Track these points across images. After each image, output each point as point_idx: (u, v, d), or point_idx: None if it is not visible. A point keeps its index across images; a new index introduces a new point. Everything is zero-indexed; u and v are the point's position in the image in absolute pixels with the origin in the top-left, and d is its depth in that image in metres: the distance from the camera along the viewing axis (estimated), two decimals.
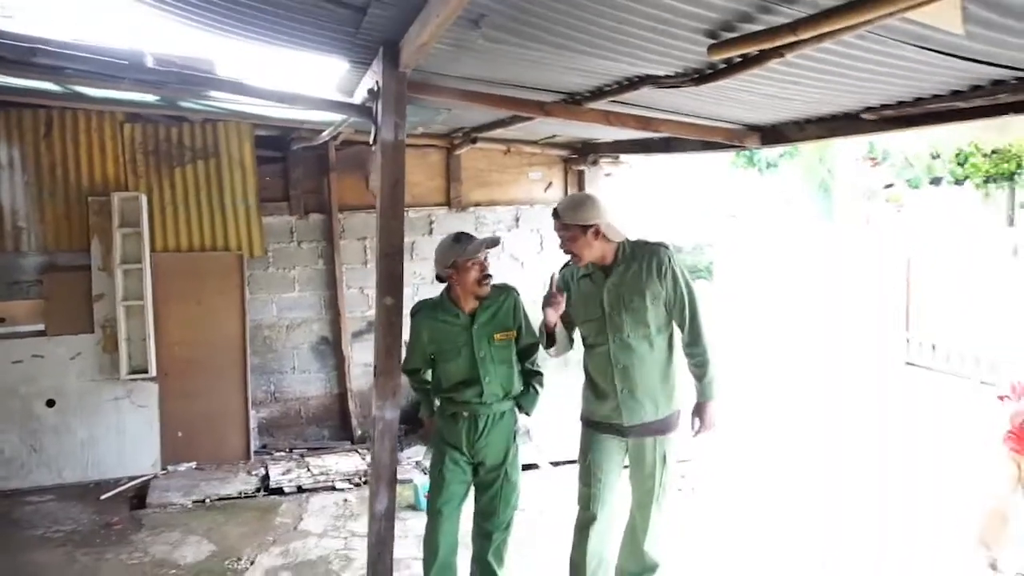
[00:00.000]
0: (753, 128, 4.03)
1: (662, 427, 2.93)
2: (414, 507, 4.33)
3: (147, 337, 5.12)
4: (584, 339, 3.05)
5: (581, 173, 6.28)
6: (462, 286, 3.00)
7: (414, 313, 3.09)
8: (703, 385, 2.93)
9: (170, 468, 5.16)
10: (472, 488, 3.09)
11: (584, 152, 6.08)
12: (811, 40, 2.11)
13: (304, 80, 3.88)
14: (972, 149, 9.45)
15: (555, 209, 2.97)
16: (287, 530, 4.16)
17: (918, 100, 3.03)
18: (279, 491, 4.74)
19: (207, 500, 4.60)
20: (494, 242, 3.04)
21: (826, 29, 1.97)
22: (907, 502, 4.13)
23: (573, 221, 2.86)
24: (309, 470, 5.04)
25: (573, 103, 3.65)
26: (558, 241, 2.97)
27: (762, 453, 5.07)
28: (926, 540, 3.70)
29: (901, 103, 3.11)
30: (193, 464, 5.24)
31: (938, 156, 9.70)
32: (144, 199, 5.17)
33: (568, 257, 3.00)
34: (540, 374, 3.17)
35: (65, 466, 5.01)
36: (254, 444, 5.49)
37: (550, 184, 6.32)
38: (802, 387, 6.60)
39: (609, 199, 6.73)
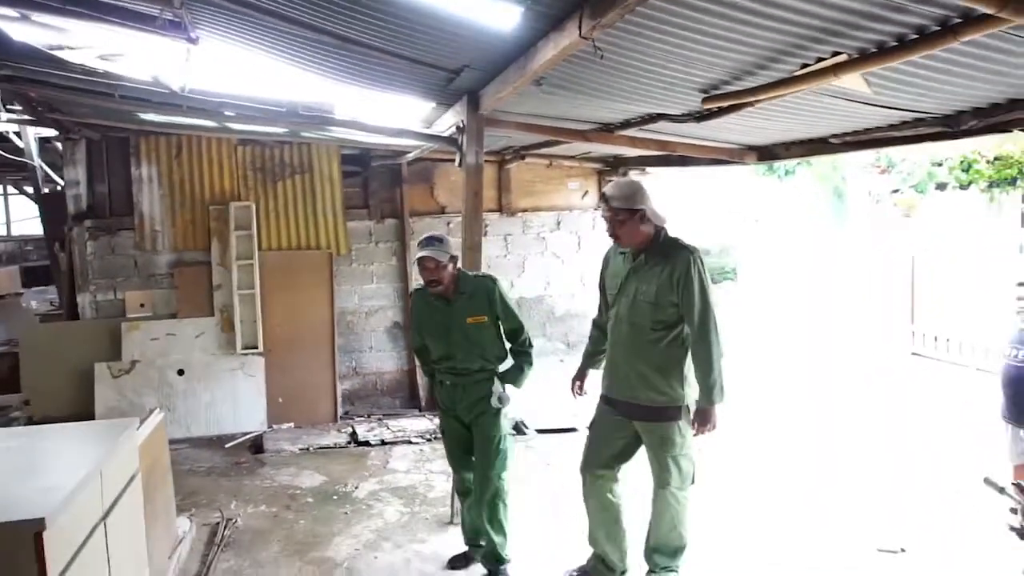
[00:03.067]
0: (750, 148, 5.04)
1: (658, 415, 3.06)
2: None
3: (256, 320, 6.28)
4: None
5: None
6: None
7: (412, 294, 3.71)
8: (704, 388, 2.98)
9: (274, 427, 6.29)
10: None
11: (615, 165, 7.11)
12: (768, 98, 3.14)
13: (396, 113, 4.98)
14: (975, 156, 10.22)
15: (604, 194, 3.11)
16: (378, 468, 5.23)
17: (867, 130, 4.02)
18: (366, 443, 5.82)
19: (310, 448, 5.71)
20: (423, 246, 3.29)
21: (775, 93, 3.01)
22: (911, 475, 4.66)
23: (623, 206, 2.99)
24: (388, 428, 6.12)
25: (606, 131, 4.70)
26: (606, 225, 3.11)
27: (776, 437, 5.77)
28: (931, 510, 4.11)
29: (856, 132, 4.11)
30: (292, 424, 6.36)
31: (940, 164, 10.48)
32: (254, 207, 6.34)
33: (613, 239, 3.18)
34: (527, 354, 3.48)
35: (192, 423, 6.17)
36: (340, 410, 6.61)
37: (586, 193, 7.37)
38: (817, 376, 7.38)
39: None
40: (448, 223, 6.84)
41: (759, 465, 5.02)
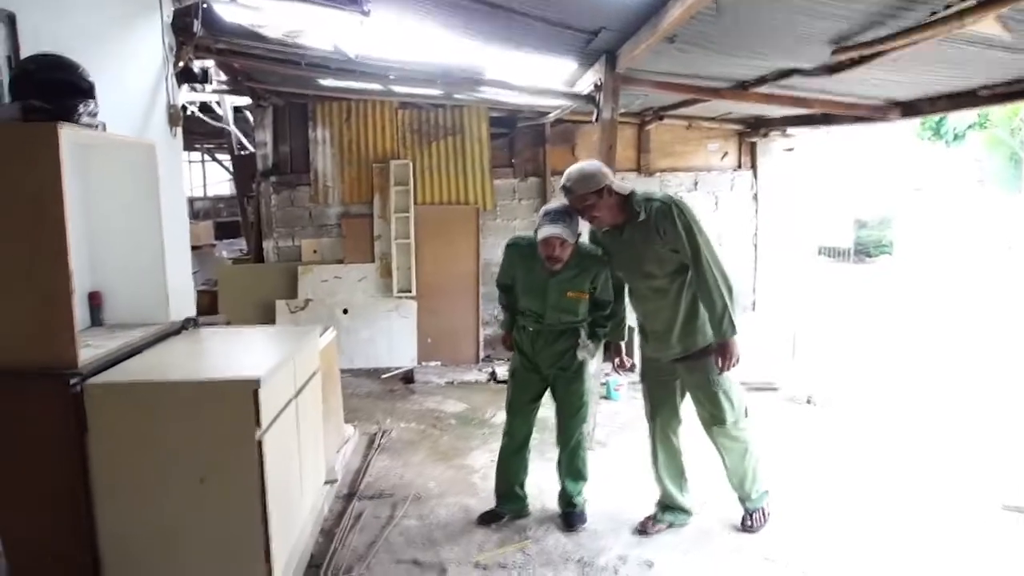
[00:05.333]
0: (893, 104, 4.94)
1: (697, 355, 3.22)
2: (607, 397, 5.73)
3: (411, 267, 6.97)
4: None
5: (753, 144, 7.31)
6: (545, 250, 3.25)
7: (509, 246, 3.49)
8: (714, 324, 3.08)
9: (423, 364, 6.99)
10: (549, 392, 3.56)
11: (756, 126, 7.09)
12: (900, 47, 3.20)
13: (540, 74, 5.33)
14: None
15: (565, 186, 3.16)
16: None
17: (1019, 80, 3.89)
18: (504, 382, 6.34)
19: (454, 382, 6.34)
20: (552, 221, 3.16)
21: (905, 42, 3.07)
22: None
23: (587, 189, 3.08)
24: None
25: (741, 88, 4.81)
26: (578, 214, 3.19)
27: (909, 400, 5.79)
28: None
29: (1006, 83, 3.99)
30: (438, 363, 7.04)
31: None
32: (411, 165, 6.99)
33: (589, 225, 3.32)
34: (603, 326, 3.47)
35: (354, 356, 6.99)
36: (481, 353, 7.21)
37: (726, 154, 7.42)
38: (968, 355, 7.06)
39: (789, 173, 7.68)
40: None
41: (887, 424, 5.03)
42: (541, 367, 3.47)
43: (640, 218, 3.12)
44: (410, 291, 6.99)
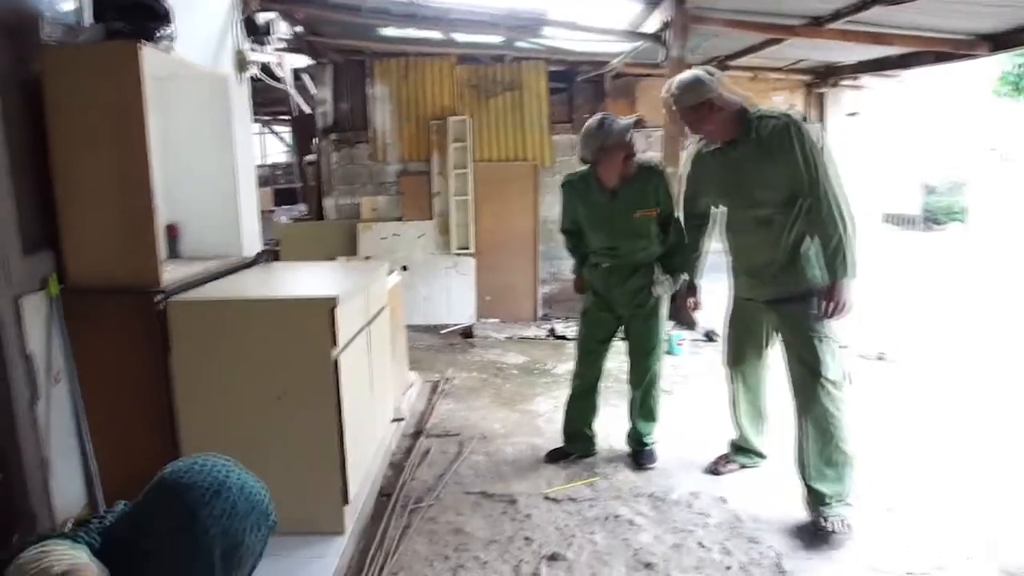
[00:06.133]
0: (982, 37, 4.66)
1: (799, 298, 2.79)
2: (669, 352, 5.64)
3: (469, 224, 6.96)
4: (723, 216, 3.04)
5: (822, 95, 7.04)
6: (605, 168, 3.17)
7: (563, 185, 3.38)
8: (828, 262, 2.69)
9: (481, 321, 7.00)
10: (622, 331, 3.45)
11: (825, 75, 6.82)
12: None
13: (604, 17, 5.22)
14: None
15: (669, 99, 2.83)
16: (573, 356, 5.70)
17: None
18: (563, 338, 6.31)
19: (514, 337, 6.33)
20: (637, 124, 3.16)
21: None
22: None
23: (694, 101, 2.74)
24: None
25: (816, 24, 4.61)
26: (687, 129, 2.92)
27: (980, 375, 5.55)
28: None
29: None
30: (497, 320, 7.04)
31: None
32: (469, 121, 6.95)
33: (699, 139, 2.96)
34: (677, 270, 3.27)
35: (413, 312, 7.01)
36: (540, 311, 7.18)
37: (792, 106, 7.12)
38: None
39: (854, 134, 7.36)
40: (648, 136, 7.02)
41: (960, 380, 4.83)
42: (615, 305, 3.38)
43: (753, 136, 2.73)
44: (468, 248, 6.99)
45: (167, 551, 1.11)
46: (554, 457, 3.58)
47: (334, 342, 2.57)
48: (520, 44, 5.89)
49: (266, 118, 14.20)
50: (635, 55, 5.78)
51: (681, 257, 3.26)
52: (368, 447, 3.11)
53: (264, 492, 1.24)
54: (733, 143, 2.78)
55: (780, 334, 2.91)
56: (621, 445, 3.65)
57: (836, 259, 2.65)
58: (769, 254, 2.82)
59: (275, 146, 15.93)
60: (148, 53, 2.54)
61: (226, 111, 3.36)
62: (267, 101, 8.76)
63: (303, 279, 3.29)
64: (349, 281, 3.07)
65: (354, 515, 2.81)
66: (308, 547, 2.58)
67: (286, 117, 10.80)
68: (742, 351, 3.16)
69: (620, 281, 3.32)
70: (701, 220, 3.16)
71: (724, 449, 3.47)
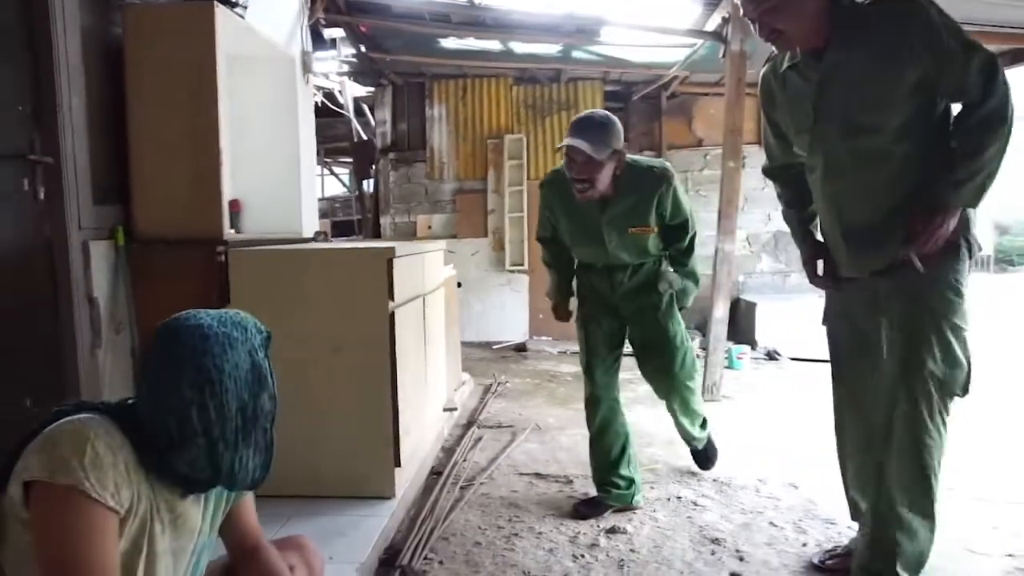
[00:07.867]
0: None
1: (924, 261, 1.86)
2: (729, 367, 5.45)
3: (523, 241, 6.95)
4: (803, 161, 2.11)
5: None
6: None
7: (542, 185, 2.74)
8: (951, 184, 1.82)
9: (534, 338, 6.92)
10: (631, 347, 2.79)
11: None
12: None
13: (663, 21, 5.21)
14: None
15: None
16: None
17: None
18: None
19: (567, 352, 6.22)
20: (573, 133, 2.43)
21: None
22: None
23: None
24: None
25: None
26: (759, 32, 1.92)
27: None
28: None
29: None
30: (549, 338, 6.95)
31: None
32: (525, 139, 7.01)
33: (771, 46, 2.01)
34: (692, 273, 2.72)
35: (466, 327, 6.97)
36: None
37: None
38: None
39: None
40: (706, 155, 6.95)
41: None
42: (619, 307, 2.71)
43: (862, 26, 1.85)
44: (522, 265, 6.97)
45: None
46: (584, 512, 2.69)
47: (391, 295, 2.54)
48: (577, 55, 5.93)
49: (327, 160, 14.72)
50: (692, 66, 5.76)
51: (692, 257, 2.71)
52: (421, 418, 3.05)
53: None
54: (824, 48, 1.90)
55: (894, 322, 1.95)
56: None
57: (972, 179, 1.80)
58: (881, 202, 1.94)
59: (334, 186, 16.46)
60: (221, 15, 2.64)
61: (292, 92, 3.45)
62: (327, 139, 9.06)
63: (360, 246, 3.29)
64: (405, 249, 3.06)
65: (405, 483, 2.74)
66: (358, 507, 2.51)
67: (346, 157, 11.13)
68: (849, 362, 2.16)
69: (623, 278, 2.68)
70: (793, 169, 2.19)
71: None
